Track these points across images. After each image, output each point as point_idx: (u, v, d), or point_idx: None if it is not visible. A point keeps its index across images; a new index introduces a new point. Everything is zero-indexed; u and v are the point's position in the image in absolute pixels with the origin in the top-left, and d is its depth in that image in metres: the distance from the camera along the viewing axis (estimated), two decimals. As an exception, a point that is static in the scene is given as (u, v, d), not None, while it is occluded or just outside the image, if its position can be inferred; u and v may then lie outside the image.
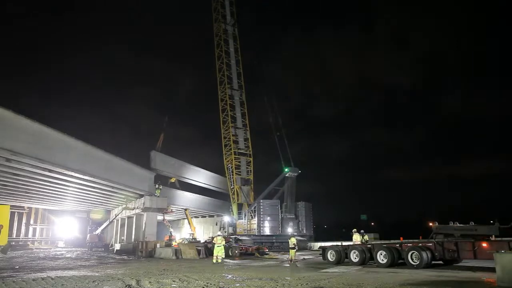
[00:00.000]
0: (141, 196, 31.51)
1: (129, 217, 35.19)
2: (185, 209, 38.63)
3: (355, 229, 20.62)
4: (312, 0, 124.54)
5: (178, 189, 38.91)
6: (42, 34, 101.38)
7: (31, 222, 44.74)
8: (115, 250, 32.06)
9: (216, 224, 43.07)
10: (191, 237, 30.71)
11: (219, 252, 18.02)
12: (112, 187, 28.33)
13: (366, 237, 22.36)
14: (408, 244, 13.67)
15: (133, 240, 32.17)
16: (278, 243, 30.47)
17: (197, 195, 41.46)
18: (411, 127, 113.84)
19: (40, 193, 29.12)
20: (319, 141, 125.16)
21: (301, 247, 30.03)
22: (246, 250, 24.10)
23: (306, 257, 21.02)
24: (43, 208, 43.70)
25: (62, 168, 21.68)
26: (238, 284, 9.77)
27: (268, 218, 31.11)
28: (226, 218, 36.88)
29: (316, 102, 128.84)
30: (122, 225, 37.13)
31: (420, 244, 13.50)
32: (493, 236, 11.70)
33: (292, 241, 17.65)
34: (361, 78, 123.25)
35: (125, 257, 25.14)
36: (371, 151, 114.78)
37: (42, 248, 40.91)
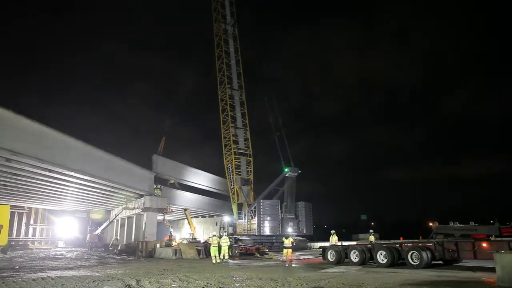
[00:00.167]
0: (141, 196, 31.53)
1: (129, 217, 35.21)
2: (185, 209, 38.66)
3: (333, 231, 20.74)
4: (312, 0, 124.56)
5: (178, 189, 38.93)
6: (42, 34, 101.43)
7: (31, 222, 44.76)
8: (115, 250, 32.04)
9: (216, 224, 43.06)
10: (191, 237, 30.72)
11: (215, 252, 18.05)
12: (112, 187, 28.35)
13: (372, 237, 22.51)
14: (408, 244, 13.67)
15: (133, 240, 32.20)
16: (278, 243, 30.44)
17: (197, 195, 41.52)
18: (411, 127, 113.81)
19: (40, 193, 29.13)
20: (319, 141, 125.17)
21: (301, 247, 30.06)
22: (246, 250, 24.09)
23: (306, 257, 21.02)
24: (43, 208, 43.71)
25: (62, 168, 21.70)
26: (238, 284, 9.77)
27: (268, 218, 31.09)
28: (226, 218, 36.88)
29: (316, 102, 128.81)
30: (122, 225, 37.16)
31: (420, 244, 13.49)
32: (493, 236, 11.70)
33: (290, 240, 17.20)
34: (361, 78, 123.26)
35: (125, 257, 25.15)
36: (371, 151, 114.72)
37: (42, 248, 40.92)
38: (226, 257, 18.70)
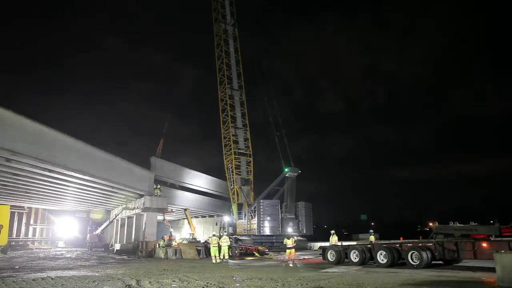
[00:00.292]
0: (141, 196, 31.52)
1: (129, 217, 35.19)
2: (185, 209, 38.64)
3: (333, 231, 20.72)
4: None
5: (178, 189, 38.93)
6: (42, 33, 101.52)
7: (31, 222, 44.74)
8: (115, 250, 32.07)
9: (216, 224, 43.05)
10: (191, 237, 30.71)
11: (215, 252, 18.06)
12: (112, 187, 28.33)
13: (372, 237, 22.49)
14: (408, 244, 13.67)
15: (133, 240, 32.20)
16: (278, 243, 30.46)
17: (197, 195, 41.49)
18: (412, 127, 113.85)
19: (40, 193, 29.11)
20: (319, 141, 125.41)
21: (301, 247, 30.05)
22: (246, 250, 24.10)
23: (306, 257, 21.02)
24: (43, 208, 43.68)
25: (62, 168, 21.67)
26: (238, 284, 9.77)
27: (268, 218, 31.09)
28: (226, 218, 36.87)
29: (316, 102, 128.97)
30: (122, 225, 37.13)
31: (420, 244, 13.49)
32: (493, 236, 11.70)
33: (293, 240, 17.15)
34: (361, 78, 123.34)
35: (125, 257, 25.16)
36: (371, 151, 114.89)
37: (42, 248, 40.92)
38: (226, 257, 18.72)
